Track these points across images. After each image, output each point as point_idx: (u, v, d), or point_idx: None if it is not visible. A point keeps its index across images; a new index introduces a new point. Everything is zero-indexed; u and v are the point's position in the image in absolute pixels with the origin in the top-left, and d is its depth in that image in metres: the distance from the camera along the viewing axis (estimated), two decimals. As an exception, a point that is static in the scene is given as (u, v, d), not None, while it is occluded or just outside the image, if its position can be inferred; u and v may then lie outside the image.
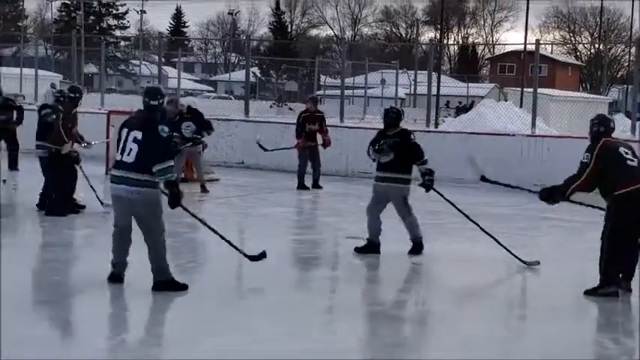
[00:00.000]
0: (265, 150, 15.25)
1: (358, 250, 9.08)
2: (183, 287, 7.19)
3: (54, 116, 10.64)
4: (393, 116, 9.27)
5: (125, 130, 7.13)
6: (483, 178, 8.75)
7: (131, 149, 7.01)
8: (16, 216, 11.05)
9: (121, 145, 7.10)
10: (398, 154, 9.03)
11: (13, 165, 15.10)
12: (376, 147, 9.15)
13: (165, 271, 7.18)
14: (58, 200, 10.59)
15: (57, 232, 10.09)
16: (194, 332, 6.10)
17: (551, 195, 7.69)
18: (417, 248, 9.18)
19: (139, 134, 7.01)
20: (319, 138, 14.58)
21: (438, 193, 9.23)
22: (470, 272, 8.56)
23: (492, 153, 14.59)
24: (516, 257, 8.69)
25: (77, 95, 11.07)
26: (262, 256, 7.85)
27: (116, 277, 7.26)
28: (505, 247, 8.81)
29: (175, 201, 7.15)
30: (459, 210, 9.22)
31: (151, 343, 6.02)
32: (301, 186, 14.42)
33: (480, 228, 9.13)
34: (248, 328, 6.31)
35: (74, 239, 9.92)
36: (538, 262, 8.63)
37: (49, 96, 25.44)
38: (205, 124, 13.46)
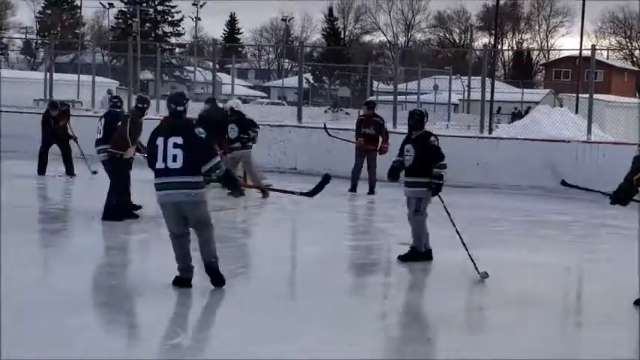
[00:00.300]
0: (329, 135, 15.46)
1: (401, 259, 8.98)
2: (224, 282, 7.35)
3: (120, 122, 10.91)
4: (416, 118, 9.16)
5: (161, 139, 7.21)
6: (564, 183, 8.60)
7: (175, 155, 7.12)
8: (73, 221, 11.22)
9: (160, 154, 7.17)
10: (418, 158, 8.96)
11: (70, 170, 15.37)
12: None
13: (217, 263, 7.35)
14: (117, 205, 10.75)
15: (113, 236, 10.23)
16: (248, 337, 6.13)
17: (620, 194, 7.55)
18: (408, 256, 8.98)
19: (178, 139, 7.13)
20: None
21: (440, 198, 8.95)
22: (526, 279, 8.48)
23: (547, 159, 14.45)
24: (474, 265, 8.39)
25: (145, 105, 11.28)
26: (324, 182, 7.70)
27: (183, 282, 7.33)
28: (469, 253, 8.58)
29: (235, 188, 7.49)
30: (448, 214, 9.03)
31: (204, 347, 6.06)
32: (353, 188, 14.41)
33: (457, 231, 8.88)
34: (301, 333, 6.33)
35: (130, 244, 10.03)
36: (486, 275, 8.27)
37: (105, 102, 25.83)
38: (248, 123, 13.57)
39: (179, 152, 7.11)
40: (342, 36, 78.72)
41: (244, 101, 43.40)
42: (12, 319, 6.24)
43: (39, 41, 68.96)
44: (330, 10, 76.60)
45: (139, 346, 6.00)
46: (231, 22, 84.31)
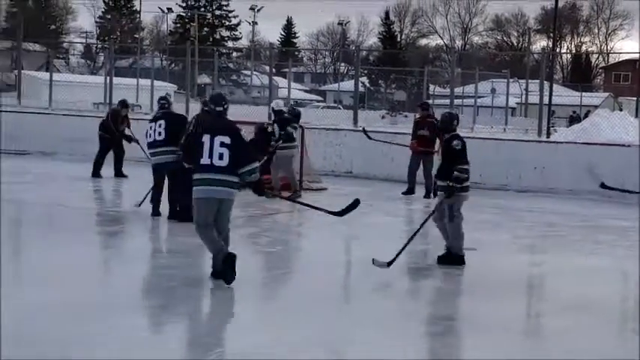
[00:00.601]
0: (370, 138, 15.32)
1: (440, 261, 8.94)
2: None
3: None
4: (445, 121, 9.17)
5: (207, 136, 7.46)
6: (603, 185, 8.48)
7: (221, 154, 7.41)
8: (130, 223, 11.36)
9: (207, 150, 7.42)
10: (444, 161, 8.94)
11: (121, 172, 15.59)
12: None
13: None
14: (182, 207, 10.88)
15: (171, 239, 10.36)
16: (303, 341, 6.16)
17: None
18: (446, 259, 8.95)
19: (226, 139, 7.43)
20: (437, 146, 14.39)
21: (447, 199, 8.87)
22: (584, 284, 8.38)
23: (606, 163, 14.26)
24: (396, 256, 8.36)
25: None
26: (353, 206, 7.86)
27: (229, 263, 7.50)
28: (400, 251, 8.48)
29: (260, 189, 7.78)
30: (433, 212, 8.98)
31: (260, 351, 6.10)
32: (408, 190, 14.40)
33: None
34: (355, 337, 6.34)
35: (187, 247, 10.12)
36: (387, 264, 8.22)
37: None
38: (288, 121, 13.77)
39: (225, 151, 7.40)
40: (399, 39, 78.52)
41: (300, 105, 43.60)
42: (71, 318, 6.36)
43: (99, 46, 69.98)
44: (387, 13, 76.52)
45: (193, 350, 6.06)
46: (288, 26, 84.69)
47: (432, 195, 14.23)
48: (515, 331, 6.80)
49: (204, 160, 7.45)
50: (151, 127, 11.17)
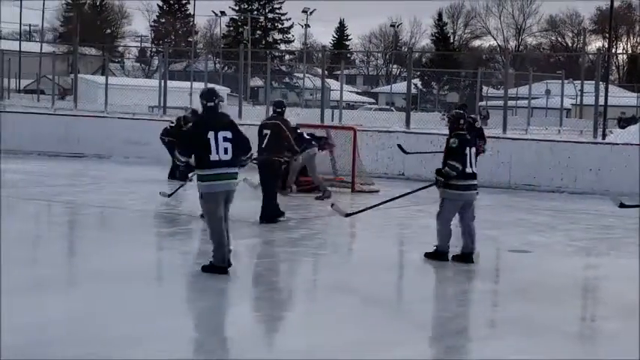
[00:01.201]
0: (406, 153, 15.21)
1: (427, 256, 9.12)
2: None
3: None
4: (452, 120, 9.31)
5: (212, 133, 7.84)
6: (622, 205, 8.29)
7: (226, 148, 7.86)
8: (185, 224, 11.46)
9: (214, 147, 7.81)
10: (444, 158, 9.13)
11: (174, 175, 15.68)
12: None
13: None
14: (273, 208, 11.26)
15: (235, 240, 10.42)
16: (357, 344, 6.16)
17: None
18: (432, 254, 9.11)
19: (228, 134, 7.89)
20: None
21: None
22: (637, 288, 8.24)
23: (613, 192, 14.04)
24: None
25: (284, 109, 11.96)
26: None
27: (228, 264, 7.94)
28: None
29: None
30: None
31: (313, 352, 6.11)
32: None
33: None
34: (408, 340, 6.32)
35: (239, 248, 10.17)
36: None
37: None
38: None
39: (229, 146, 7.86)
40: (452, 41, 78.09)
41: (352, 107, 43.57)
42: (123, 319, 6.44)
43: (153, 49, 70.82)
44: (440, 15, 76.15)
45: (244, 350, 6.09)
46: (341, 29, 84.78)
47: None
48: (569, 335, 6.71)
49: (214, 156, 7.81)
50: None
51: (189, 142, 8.06)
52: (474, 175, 9.12)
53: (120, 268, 8.30)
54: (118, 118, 21.26)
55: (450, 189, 9.01)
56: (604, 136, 21.05)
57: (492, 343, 6.46)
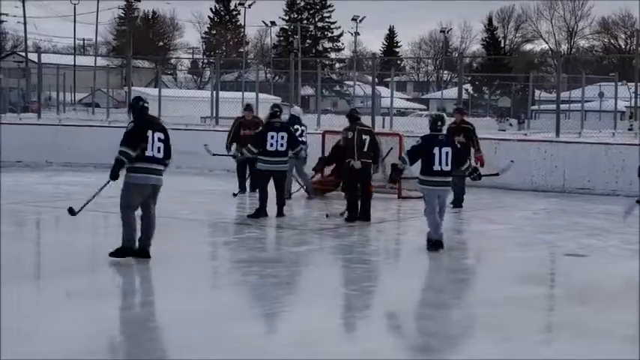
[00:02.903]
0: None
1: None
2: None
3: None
4: (430, 122, 10.10)
5: (150, 131, 8.85)
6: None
7: (159, 147, 8.84)
8: (239, 233, 11.55)
9: (151, 144, 8.77)
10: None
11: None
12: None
13: None
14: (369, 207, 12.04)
15: (276, 248, 10.50)
16: (406, 347, 6.16)
17: None
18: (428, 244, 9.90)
19: (162, 135, 8.92)
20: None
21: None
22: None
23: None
24: None
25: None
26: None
27: (130, 251, 8.82)
28: None
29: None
30: None
31: (369, 356, 6.13)
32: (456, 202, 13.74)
33: None
34: (463, 344, 6.31)
35: (292, 256, 10.24)
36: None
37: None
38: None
39: (162, 146, 8.88)
40: (503, 45, 77.51)
41: (402, 114, 43.46)
42: (182, 325, 6.53)
43: (205, 61, 71.49)
44: (490, 19, 75.63)
45: (298, 355, 6.13)
46: (390, 36, 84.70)
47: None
48: (626, 339, 6.62)
49: (149, 152, 8.78)
50: (272, 137, 12.22)
51: (134, 137, 8.81)
52: (443, 173, 9.74)
53: (173, 276, 8.42)
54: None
55: (422, 184, 9.88)
56: (660, 137, 20.71)
57: (548, 347, 6.43)
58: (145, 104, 9.17)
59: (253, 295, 7.98)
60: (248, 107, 15.65)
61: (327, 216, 12.19)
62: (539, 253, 10.57)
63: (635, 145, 17.63)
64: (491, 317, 7.11)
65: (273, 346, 6.25)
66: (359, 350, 6.20)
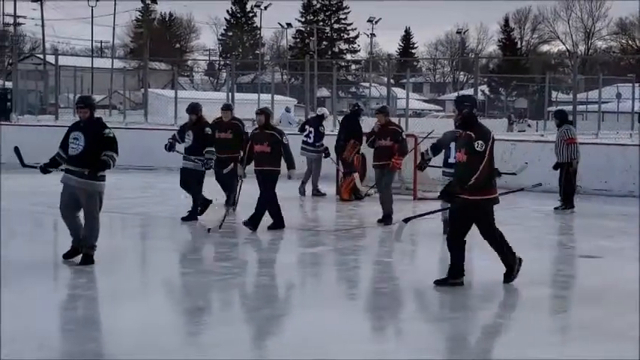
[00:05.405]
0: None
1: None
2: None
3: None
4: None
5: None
6: None
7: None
8: (250, 234, 11.58)
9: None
10: None
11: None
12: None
13: None
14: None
15: (292, 249, 10.53)
16: (424, 349, 6.18)
17: None
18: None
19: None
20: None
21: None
22: None
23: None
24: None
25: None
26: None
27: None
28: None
29: None
30: None
31: (382, 357, 6.14)
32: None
33: None
34: (477, 346, 6.32)
35: (307, 257, 10.27)
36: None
37: (284, 120, 26.52)
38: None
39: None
40: (519, 46, 77.28)
41: (418, 115, 43.40)
42: (197, 325, 6.57)
43: (221, 63, 71.66)
44: (506, 20, 75.44)
45: (313, 354, 6.15)
46: (406, 37, 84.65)
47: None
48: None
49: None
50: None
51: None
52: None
53: (184, 277, 8.46)
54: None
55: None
56: (677, 139, 20.60)
57: (563, 349, 6.43)
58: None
59: (264, 295, 8.01)
60: (226, 107, 14.14)
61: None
62: (553, 254, 10.55)
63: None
64: (506, 319, 7.11)
65: (285, 348, 6.27)
66: (374, 351, 6.22)
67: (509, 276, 8.13)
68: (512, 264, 8.13)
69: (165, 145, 12.62)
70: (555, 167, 13.36)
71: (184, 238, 11.26)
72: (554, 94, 40.74)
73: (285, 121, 26.22)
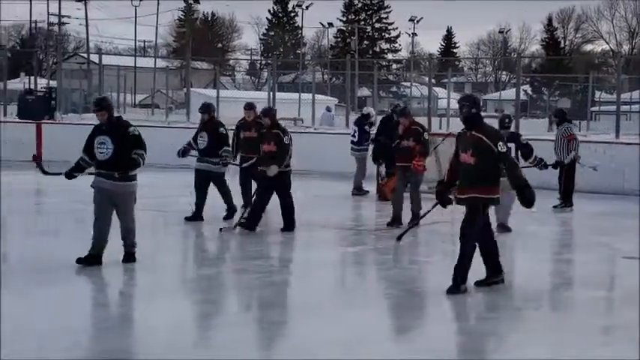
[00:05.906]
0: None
1: None
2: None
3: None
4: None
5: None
6: None
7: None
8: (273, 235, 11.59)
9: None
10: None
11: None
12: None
13: None
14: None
15: (296, 250, 10.56)
16: (461, 350, 6.17)
17: None
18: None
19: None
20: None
21: None
22: None
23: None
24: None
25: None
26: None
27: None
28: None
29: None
30: None
31: (406, 356, 6.14)
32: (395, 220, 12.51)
33: None
34: (516, 347, 6.30)
35: (338, 257, 10.27)
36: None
37: (324, 119, 26.54)
38: None
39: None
40: (562, 45, 76.54)
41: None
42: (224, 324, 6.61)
43: (263, 62, 71.91)
44: (550, 19, 74.74)
45: (337, 350, 6.17)
46: (448, 37, 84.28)
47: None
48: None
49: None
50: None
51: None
52: None
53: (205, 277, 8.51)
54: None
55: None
56: None
57: (605, 350, 6.38)
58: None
59: (299, 294, 8.03)
60: (249, 107, 13.67)
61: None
62: (596, 255, 10.44)
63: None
64: (547, 319, 7.08)
65: (323, 347, 6.28)
66: (410, 350, 6.23)
67: (453, 285, 7.70)
68: (458, 275, 7.69)
69: (179, 150, 12.40)
70: (555, 166, 13.18)
71: (222, 237, 11.30)
72: (597, 93, 40.36)
73: (326, 120, 26.25)
